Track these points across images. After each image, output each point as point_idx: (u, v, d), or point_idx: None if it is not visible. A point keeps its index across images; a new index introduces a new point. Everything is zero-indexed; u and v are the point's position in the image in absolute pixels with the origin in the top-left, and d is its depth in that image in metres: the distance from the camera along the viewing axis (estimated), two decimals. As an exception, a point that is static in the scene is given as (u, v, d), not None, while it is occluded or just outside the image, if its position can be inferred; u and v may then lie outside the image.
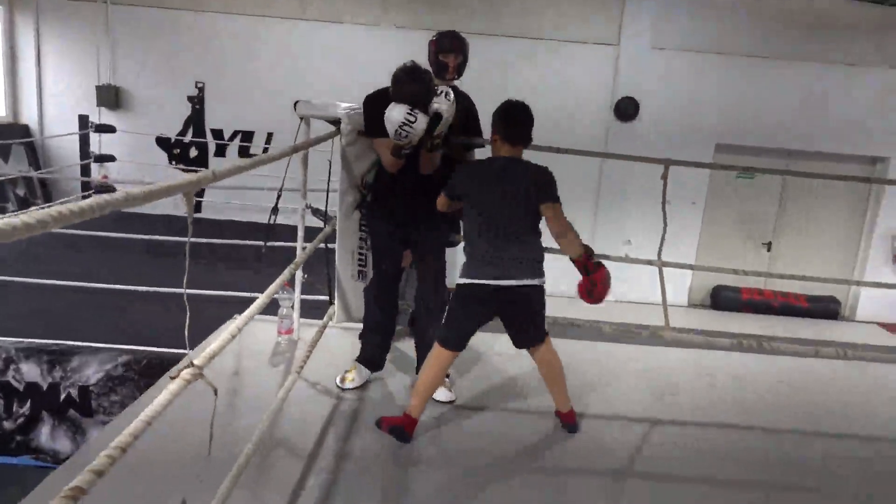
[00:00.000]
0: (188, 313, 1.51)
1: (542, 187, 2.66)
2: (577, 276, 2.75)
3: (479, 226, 2.69)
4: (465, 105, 3.47)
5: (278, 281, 2.41)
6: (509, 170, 2.70)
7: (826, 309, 8.81)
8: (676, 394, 3.34)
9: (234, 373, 3.16)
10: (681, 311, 8.33)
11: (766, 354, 3.60)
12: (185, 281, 1.44)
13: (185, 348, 3.50)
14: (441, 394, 3.02)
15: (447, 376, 3.05)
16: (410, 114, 2.59)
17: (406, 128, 2.59)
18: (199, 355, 1.59)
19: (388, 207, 3.03)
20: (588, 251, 2.75)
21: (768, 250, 9.11)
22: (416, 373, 3.18)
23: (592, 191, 8.61)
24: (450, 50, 3.32)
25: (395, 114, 2.60)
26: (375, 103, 2.89)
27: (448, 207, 2.85)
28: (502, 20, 8.25)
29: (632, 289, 8.48)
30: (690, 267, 3.73)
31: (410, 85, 2.64)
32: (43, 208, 0.93)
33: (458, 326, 2.72)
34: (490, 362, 3.54)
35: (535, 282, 2.68)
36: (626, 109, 8.41)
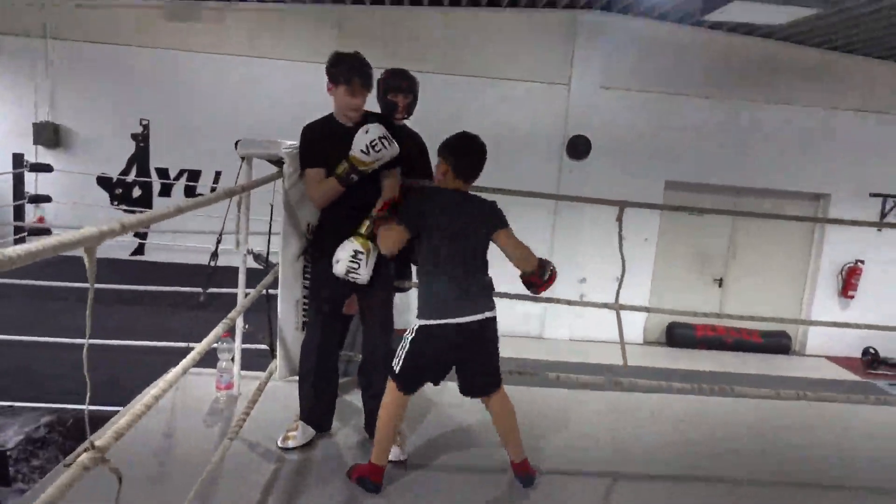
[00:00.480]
0: (87, 382, 1.32)
1: (495, 215, 2.63)
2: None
3: (442, 259, 2.55)
4: (416, 143, 3.37)
5: (213, 334, 2.21)
6: (466, 201, 2.62)
7: (778, 344, 8.93)
8: (638, 440, 3.21)
9: (164, 434, 2.90)
10: (636, 349, 8.31)
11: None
12: (84, 351, 1.25)
13: (117, 405, 3.25)
14: (391, 452, 2.82)
15: (398, 433, 2.86)
16: (385, 138, 2.62)
17: (384, 141, 2.61)
18: (104, 433, 1.38)
19: (331, 249, 2.80)
20: (542, 264, 2.66)
21: (720, 286, 9.22)
22: (365, 427, 2.98)
23: (547, 230, 8.61)
24: (398, 89, 3.23)
25: (375, 129, 2.62)
26: (313, 132, 2.82)
27: (399, 245, 2.64)
28: (455, 59, 8.28)
29: (587, 326, 8.49)
30: (647, 309, 3.65)
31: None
32: None
33: (416, 371, 2.56)
34: (440, 412, 3.36)
35: (494, 313, 2.60)
36: (578, 147, 8.47)
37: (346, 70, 2.68)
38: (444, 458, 2.91)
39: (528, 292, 2.73)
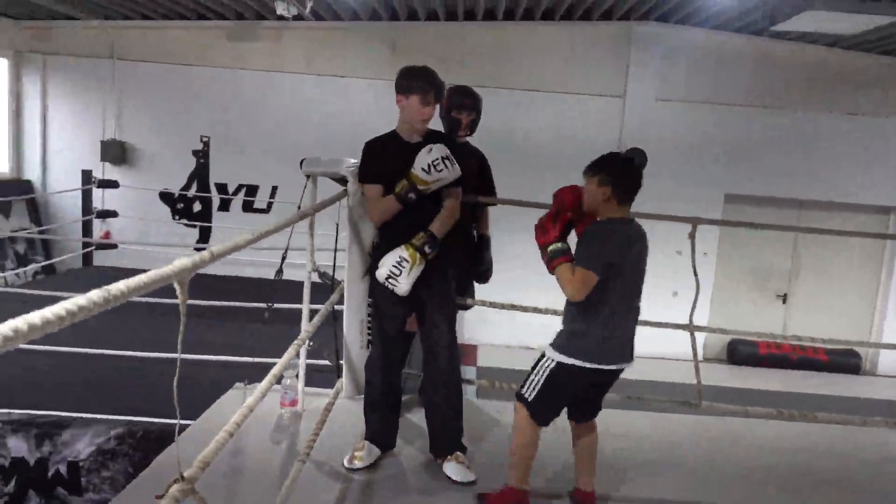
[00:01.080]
0: (177, 408, 1.32)
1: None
2: None
3: (608, 298, 2.35)
4: (478, 161, 3.34)
5: (282, 361, 2.22)
6: (638, 234, 2.44)
7: (846, 363, 8.54)
8: (715, 466, 3.09)
9: (233, 453, 2.92)
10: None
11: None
12: (175, 382, 1.25)
13: (186, 419, 3.29)
14: (457, 472, 2.77)
15: (465, 450, 2.82)
16: (448, 159, 2.60)
17: (446, 161, 2.59)
18: (191, 463, 1.38)
19: None
20: None
21: (784, 302, 8.90)
22: (430, 449, 2.94)
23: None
24: (462, 107, 3.22)
25: (438, 149, 2.61)
26: (375, 147, 2.81)
27: (588, 291, 2.32)
28: (508, 73, 8.25)
29: (639, 342, 8.28)
30: (723, 331, 3.52)
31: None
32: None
33: (550, 403, 2.46)
34: (504, 432, 3.29)
35: (631, 363, 2.47)
36: (634, 160, 8.31)
37: (419, 80, 2.66)
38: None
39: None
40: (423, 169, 2.60)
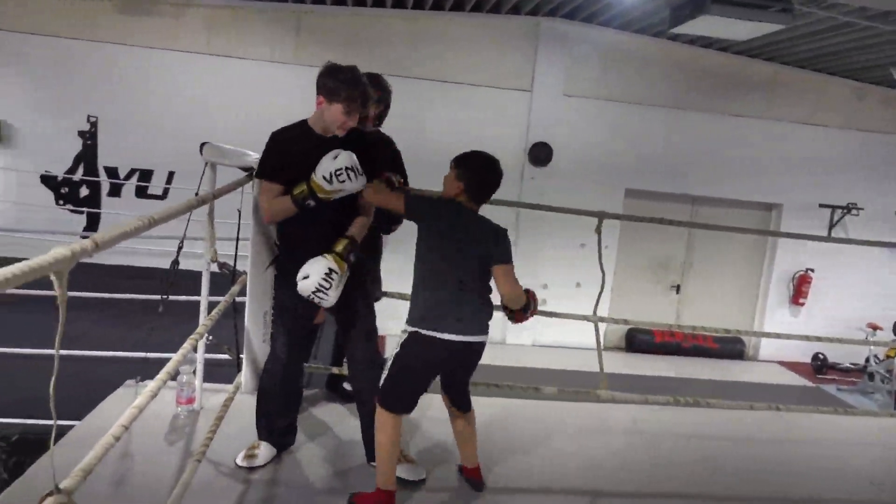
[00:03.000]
0: (53, 412, 1.18)
1: (500, 248, 2.52)
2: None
3: (441, 271, 2.45)
4: (390, 149, 3.25)
5: (178, 356, 2.06)
6: (477, 222, 2.51)
7: (733, 350, 9.13)
8: (614, 456, 3.18)
9: (123, 456, 2.72)
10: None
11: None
12: (52, 384, 1.12)
13: (71, 419, 3.04)
14: (409, 472, 2.68)
15: (403, 455, 2.74)
16: (352, 170, 2.45)
17: (350, 172, 2.44)
18: (71, 471, 1.24)
19: (301, 260, 2.56)
20: (528, 297, 2.59)
21: (677, 293, 9.37)
22: (363, 440, 2.83)
23: (510, 234, 8.58)
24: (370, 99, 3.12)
25: (345, 157, 2.45)
26: (279, 143, 2.58)
27: (384, 204, 2.56)
28: (417, 62, 8.19)
29: (550, 333, 8.52)
30: (626, 322, 3.62)
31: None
32: None
33: (411, 387, 2.47)
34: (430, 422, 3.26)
35: (482, 338, 2.52)
36: (540, 154, 8.49)
37: (345, 88, 2.46)
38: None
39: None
40: (324, 177, 2.42)
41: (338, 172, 2.41)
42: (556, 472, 2.98)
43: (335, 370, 3.46)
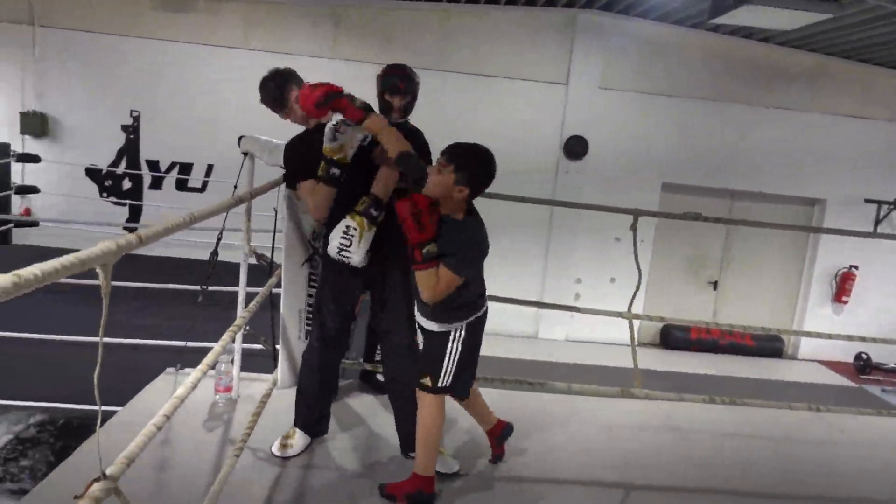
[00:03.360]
0: (98, 400, 1.22)
1: None
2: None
3: (476, 279, 2.52)
4: (418, 141, 3.25)
5: (217, 347, 2.11)
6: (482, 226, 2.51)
7: (771, 348, 8.93)
8: (649, 453, 3.15)
9: (165, 443, 2.80)
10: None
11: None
12: (96, 377, 1.16)
13: (114, 405, 3.13)
14: (441, 464, 2.69)
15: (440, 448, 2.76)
16: (344, 121, 2.51)
17: (343, 124, 2.49)
18: (115, 456, 1.29)
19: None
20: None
21: (714, 289, 9.21)
22: (398, 432, 2.86)
23: (544, 230, 8.56)
24: (395, 90, 3.08)
25: (335, 118, 2.53)
26: (293, 146, 2.73)
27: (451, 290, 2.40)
28: (454, 56, 8.17)
29: (583, 328, 8.45)
30: (661, 319, 3.58)
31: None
32: None
33: (463, 364, 2.51)
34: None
35: None
36: (575, 148, 8.41)
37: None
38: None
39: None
40: (329, 140, 2.51)
41: (336, 127, 2.49)
42: (589, 467, 2.97)
43: (368, 366, 3.49)
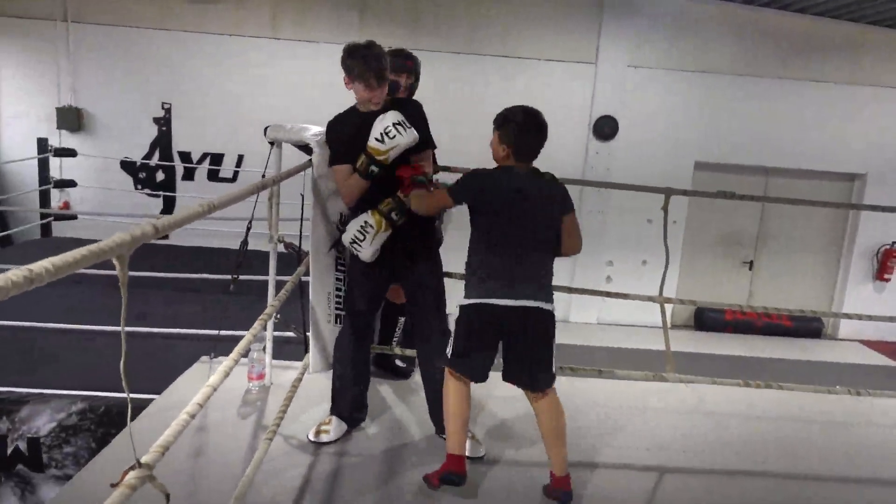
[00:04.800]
0: (127, 390, 1.24)
1: (566, 198, 2.56)
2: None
3: (492, 240, 2.45)
4: (421, 115, 3.24)
5: (249, 335, 2.14)
6: (537, 180, 2.50)
7: (809, 328, 8.73)
8: (682, 436, 3.12)
9: (200, 429, 2.86)
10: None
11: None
12: (122, 363, 1.18)
13: (150, 393, 3.21)
14: (468, 448, 2.69)
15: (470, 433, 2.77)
16: (400, 124, 2.52)
17: (399, 127, 2.51)
18: (151, 444, 1.31)
19: None
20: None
21: (750, 269, 9.03)
22: (430, 415, 2.89)
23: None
24: (402, 69, 3.16)
25: (391, 115, 2.53)
26: (337, 126, 2.72)
27: (434, 209, 2.60)
28: (480, 39, 8.08)
29: (615, 311, 8.38)
30: (693, 303, 3.52)
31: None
32: None
33: (470, 353, 2.45)
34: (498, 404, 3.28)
35: (543, 304, 2.43)
36: (605, 128, 8.29)
37: (360, 65, 2.54)
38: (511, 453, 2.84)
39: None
40: (376, 139, 2.53)
41: (387, 130, 2.51)
42: (622, 450, 2.95)
43: (396, 349, 3.51)
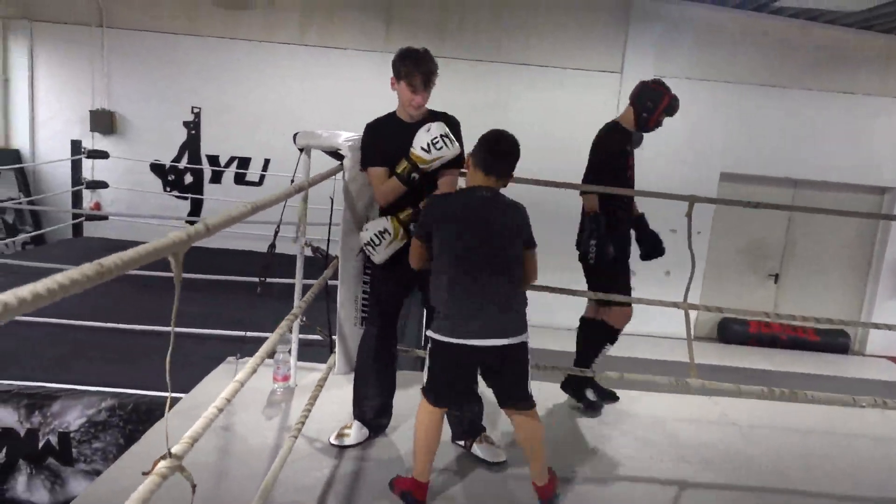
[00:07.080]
0: (169, 384, 1.29)
1: (522, 228, 2.42)
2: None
3: (457, 270, 2.31)
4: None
5: (275, 336, 2.19)
6: (493, 203, 2.40)
7: (835, 343, 8.60)
8: (702, 448, 3.10)
9: (225, 429, 2.91)
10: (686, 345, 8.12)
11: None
12: (167, 362, 1.22)
13: (177, 392, 3.27)
14: (488, 453, 2.76)
15: (484, 429, 2.83)
16: (447, 136, 2.58)
17: (445, 139, 2.57)
18: (179, 440, 1.36)
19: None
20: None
21: (775, 282, 8.93)
22: (452, 436, 2.90)
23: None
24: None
25: (437, 127, 2.59)
26: (376, 130, 2.77)
27: (422, 260, 2.47)
28: (506, 48, 8.14)
29: (638, 321, 8.32)
30: (718, 309, 3.50)
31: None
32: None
33: (447, 390, 2.41)
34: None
35: (522, 338, 2.33)
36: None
37: (408, 66, 2.60)
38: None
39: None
40: (422, 148, 2.58)
41: (434, 141, 2.57)
42: (643, 461, 2.95)
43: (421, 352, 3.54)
